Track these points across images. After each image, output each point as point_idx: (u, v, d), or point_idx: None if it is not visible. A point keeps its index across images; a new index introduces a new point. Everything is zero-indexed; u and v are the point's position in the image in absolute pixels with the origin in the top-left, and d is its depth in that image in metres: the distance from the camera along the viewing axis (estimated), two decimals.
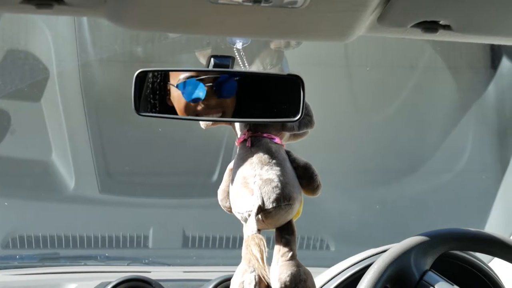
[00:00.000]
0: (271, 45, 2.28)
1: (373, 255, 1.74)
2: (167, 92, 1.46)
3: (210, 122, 1.55)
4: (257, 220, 1.45)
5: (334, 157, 3.18)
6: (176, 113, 1.48)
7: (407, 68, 3.35)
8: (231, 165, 1.55)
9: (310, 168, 1.52)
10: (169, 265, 2.69)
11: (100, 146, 3.04)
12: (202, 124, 1.56)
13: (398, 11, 1.15)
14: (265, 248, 1.42)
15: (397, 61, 3.32)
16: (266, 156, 1.49)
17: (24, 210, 2.96)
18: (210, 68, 1.44)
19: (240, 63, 1.61)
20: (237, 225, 1.54)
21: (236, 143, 1.55)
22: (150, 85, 1.45)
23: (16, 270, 2.46)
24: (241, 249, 1.47)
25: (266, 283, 1.42)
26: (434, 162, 3.33)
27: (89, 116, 3.01)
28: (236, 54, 1.59)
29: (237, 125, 1.55)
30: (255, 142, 1.51)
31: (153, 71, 1.46)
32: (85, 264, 2.64)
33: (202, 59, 2.34)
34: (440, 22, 1.18)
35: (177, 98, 1.45)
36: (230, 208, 1.52)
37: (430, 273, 1.65)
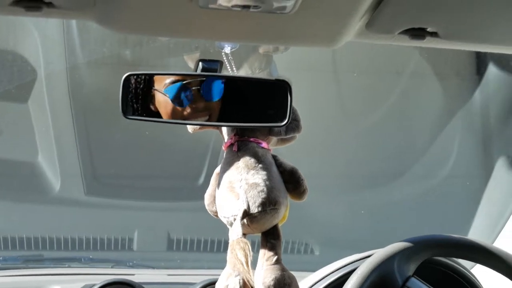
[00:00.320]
0: (260, 50, 2.28)
1: (356, 260, 1.75)
2: (154, 95, 1.46)
3: (198, 126, 1.55)
4: (243, 225, 1.45)
5: (321, 162, 3.19)
6: (163, 117, 1.48)
7: (394, 74, 3.37)
8: (218, 169, 1.55)
9: (297, 172, 1.53)
10: (153, 268, 2.69)
11: (87, 148, 3.03)
12: (190, 128, 1.56)
13: (386, 18, 1.16)
14: (250, 253, 1.43)
15: (384, 67, 3.33)
16: (252, 160, 1.49)
17: (8, 211, 2.95)
18: (198, 72, 1.44)
19: (228, 67, 1.61)
20: (222, 229, 1.54)
21: (223, 148, 1.55)
22: (138, 89, 1.45)
23: None
24: (226, 252, 1.47)
25: (250, 287, 1.43)
26: (420, 168, 3.34)
27: (76, 118, 3.00)
28: (225, 58, 1.59)
29: (224, 129, 1.55)
30: (241, 146, 1.51)
31: (141, 75, 1.46)
32: (69, 266, 2.63)
33: (191, 63, 2.34)
34: (428, 29, 1.19)
35: (164, 102, 1.45)
36: (217, 212, 1.53)
37: (413, 279, 1.66)
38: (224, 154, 1.54)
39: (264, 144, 1.52)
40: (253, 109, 1.46)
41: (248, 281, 1.41)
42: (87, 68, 3.04)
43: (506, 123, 3.30)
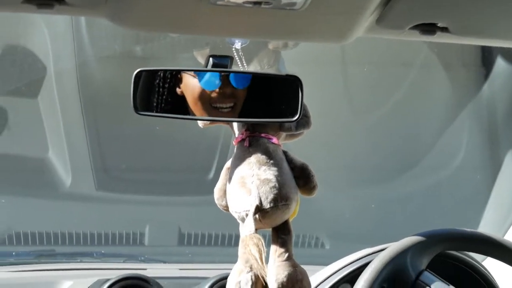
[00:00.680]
0: (269, 46, 2.29)
1: (369, 254, 1.75)
2: (166, 91, 1.47)
3: (208, 122, 1.56)
4: (255, 220, 1.46)
5: (329, 156, 3.19)
6: (174, 113, 1.49)
7: (400, 66, 3.36)
8: (228, 164, 1.56)
9: (307, 168, 1.53)
10: (165, 262, 2.70)
11: (97, 144, 3.04)
12: (200, 123, 1.56)
13: (396, 14, 1.16)
14: (263, 248, 1.43)
15: (391, 59, 3.32)
16: (263, 156, 1.49)
17: (20, 207, 2.96)
18: (209, 68, 1.45)
19: (239, 63, 1.61)
20: (232, 223, 1.55)
21: (234, 143, 1.56)
22: (149, 85, 1.46)
23: (12, 267, 2.46)
24: (236, 247, 1.48)
25: (263, 283, 1.43)
26: (429, 161, 3.33)
27: (86, 113, 3.01)
28: (235, 54, 1.60)
29: (234, 124, 1.56)
30: (253, 142, 1.52)
31: (152, 71, 1.46)
32: (81, 261, 2.65)
33: (201, 59, 2.34)
34: (438, 25, 1.19)
35: (192, 86, 1.46)
36: (227, 206, 1.53)
37: (426, 273, 1.66)
38: (235, 149, 1.55)
39: (274, 140, 1.53)
40: (265, 104, 1.47)
41: (263, 277, 1.42)
42: (96, 63, 3.05)
43: None
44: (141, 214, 3.01)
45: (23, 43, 2.98)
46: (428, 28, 1.19)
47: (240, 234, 1.49)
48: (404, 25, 1.19)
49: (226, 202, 1.53)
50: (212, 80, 1.47)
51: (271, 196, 1.46)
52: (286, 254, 1.47)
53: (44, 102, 3.01)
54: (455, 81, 3.37)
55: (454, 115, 3.38)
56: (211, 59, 1.45)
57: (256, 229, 1.47)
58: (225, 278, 1.97)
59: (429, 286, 1.63)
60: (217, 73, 1.46)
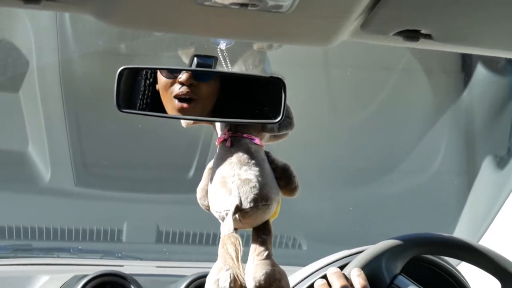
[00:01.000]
0: (254, 46, 2.29)
1: (346, 256, 1.76)
2: (149, 89, 1.47)
3: (191, 121, 1.56)
4: (234, 220, 1.46)
5: (309, 157, 3.20)
6: (157, 111, 1.49)
7: (382, 70, 3.38)
8: (210, 164, 1.56)
9: (289, 169, 1.54)
10: (142, 259, 2.70)
11: (77, 139, 3.04)
12: (183, 122, 1.57)
13: (381, 19, 1.17)
14: (240, 248, 1.44)
15: (373, 62, 3.34)
16: (245, 156, 1.50)
17: None
18: (193, 67, 1.45)
19: (223, 63, 1.62)
20: (212, 222, 1.55)
21: (216, 143, 1.56)
22: (132, 82, 1.46)
23: None
24: (214, 245, 1.49)
25: (240, 282, 1.44)
26: (408, 164, 3.36)
27: (67, 108, 3.00)
28: (220, 54, 1.60)
29: (217, 124, 1.56)
30: (235, 142, 1.52)
31: (136, 69, 1.47)
32: (58, 256, 2.64)
33: (185, 58, 2.35)
34: (422, 31, 1.20)
35: (162, 82, 1.47)
36: (209, 206, 1.54)
37: (400, 277, 1.68)
38: (217, 149, 1.55)
39: (257, 141, 1.53)
40: (248, 105, 1.47)
41: (238, 276, 1.43)
42: (79, 59, 3.04)
43: (492, 122, 3.32)
44: (120, 210, 3.01)
45: (7, 37, 2.97)
46: (412, 35, 1.21)
47: (220, 234, 1.49)
48: (388, 31, 1.20)
49: (208, 202, 1.54)
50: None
51: (251, 196, 1.46)
52: (266, 253, 1.47)
53: (26, 96, 3.00)
54: (435, 87, 3.39)
55: (434, 120, 3.40)
56: (195, 58, 1.45)
57: (236, 229, 1.47)
58: (202, 276, 1.97)
59: None
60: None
